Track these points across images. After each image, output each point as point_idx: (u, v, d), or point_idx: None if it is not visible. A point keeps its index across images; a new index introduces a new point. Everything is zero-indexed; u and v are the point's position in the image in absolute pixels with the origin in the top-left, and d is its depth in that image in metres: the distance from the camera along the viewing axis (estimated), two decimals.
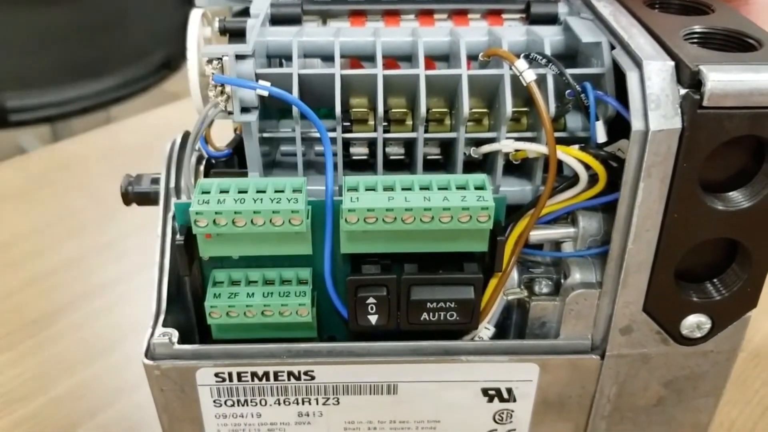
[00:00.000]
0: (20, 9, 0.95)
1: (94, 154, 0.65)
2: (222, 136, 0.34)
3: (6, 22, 0.95)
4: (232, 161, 0.34)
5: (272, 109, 0.33)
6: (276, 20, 0.34)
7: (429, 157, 0.32)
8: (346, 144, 0.32)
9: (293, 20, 0.34)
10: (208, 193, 0.28)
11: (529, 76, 0.28)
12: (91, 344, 0.43)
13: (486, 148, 0.30)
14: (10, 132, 1.18)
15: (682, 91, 0.25)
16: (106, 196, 0.57)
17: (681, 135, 0.25)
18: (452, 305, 0.30)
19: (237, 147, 0.33)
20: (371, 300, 0.30)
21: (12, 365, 0.42)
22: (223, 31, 0.33)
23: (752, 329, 0.43)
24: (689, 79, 0.25)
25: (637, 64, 0.26)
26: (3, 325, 0.45)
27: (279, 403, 0.31)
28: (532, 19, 0.34)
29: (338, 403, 0.32)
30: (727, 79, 0.25)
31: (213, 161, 0.34)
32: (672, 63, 0.26)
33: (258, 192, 0.28)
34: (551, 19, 0.34)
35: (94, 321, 0.45)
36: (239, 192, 0.28)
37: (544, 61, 0.29)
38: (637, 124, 0.26)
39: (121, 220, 0.54)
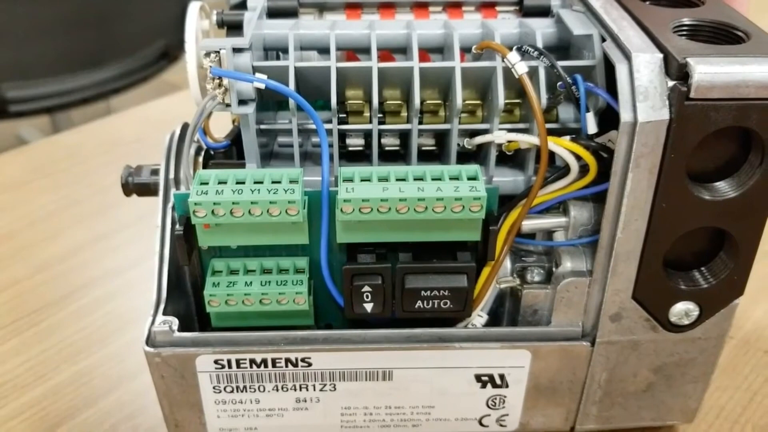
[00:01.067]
0: None
1: (94, 144, 0.65)
2: (221, 127, 0.35)
3: (5, 13, 0.96)
4: (231, 152, 0.35)
5: (270, 101, 0.33)
6: (273, 13, 0.34)
7: (424, 148, 0.33)
8: (343, 135, 0.32)
9: (290, 13, 0.35)
10: (207, 183, 0.29)
11: (520, 68, 0.29)
12: (93, 333, 0.44)
13: (479, 139, 0.31)
14: (9, 123, 1.19)
15: (670, 83, 0.26)
16: (107, 187, 0.58)
17: (669, 126, 0.26)
18: (446, 293, 0.30)
19: (235, 138, 0.34)
20: (366, 288, 0.30)
21: (15, 354, 0.42)
22: (220, 24, 0.34)
23: (742, 317, 0.43)
24: (677, 72, 0.26)
25: (627, 56, 0.27)
26: (6, 315, 0.45)
27: (277, 389, 0.32)
28: (526, 12, 0.35)
29: (335, 389, 0.32)
30: (713, 72, 0.25)
31: (212, 152, 0.35)
32: (660, 55, 0.26)
33: (255, 183, 0.29)
34: (544, 12, 0.35)
35: (95, 310, 0.45)
36: (237, 183, 0.29)
37: (535, 53, 0.29)
38: (625, 115, 0.26)
39: (121, 211, 0.54)
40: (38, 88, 1.02)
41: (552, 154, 0.29)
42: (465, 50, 0.32)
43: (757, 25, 0.29)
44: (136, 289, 0.47)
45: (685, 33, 0.28)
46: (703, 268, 0.30)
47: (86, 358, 0.42)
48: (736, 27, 0.28)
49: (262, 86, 0.29)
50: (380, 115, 0.31)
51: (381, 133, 0.32)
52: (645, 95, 0.26)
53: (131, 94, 1.11)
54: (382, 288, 0.30)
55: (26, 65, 1.01)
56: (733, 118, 0.26)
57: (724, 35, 0.28)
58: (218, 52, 0.29)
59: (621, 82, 0.27)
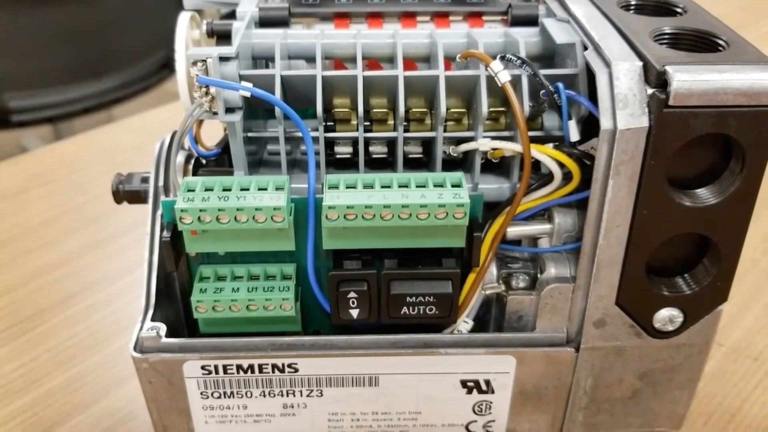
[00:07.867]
0: (22, 10, 0.96)
1: (92, 153, 0.66)
2: (215, 135, 0.35)
3: (8, 23, 0.97)
4: (222, 160, 0.35)
5: (259, 110, 0.33)
6: (264, 23, 0.35)
7: (411, 156, 0.33)
8: (332, 143, 0.32)
9: (281, 23, 0.35)
10: (193, 191, 0.29)
11: (503, 77, 0.29)
12: (85, 339, 0.44)
13: (464, 147, 0.31)
14: (12, 132, 1.19)
15: (649, 91, 0.26)
16: (103, 195, 0.58)
17: (648, 133, 0.26)
18: (431, 299, 0.30)
19: (226, 146, 0.34)
20: (352, 294, 0.30)
21: (8, 360, 0.43)
22: (210, 34, 0.34)
23: (732, 324, 0.44)
24: (656, 79, 0.26)
25: (607, 64, 0.27)
26: (0, 321, 0.46)
27: (264, 395, 0.32)
28: (513, 21, 0.35)
29: (322, 395, 0.32)
30: (692, 79, 0.25)
31: (203, 160, 0.35)
32: (640, 63, 0.27)
33: (242, 190, 0.29)
34: (532, 21, 0.35)
35: (88, 317, 0.46)
36: (223, 190, 0.29)
37: (518, 62, 0.30)
38: (605, 123, 0.26)
39: (117, 219, 0.55)
40: (41, 98, 1.03)
41: (537, 162, 0.30)
42: (450, 59, 0.32)
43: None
44: (129, 296, 0.47)
45: (666, 41, 0.29)
46: (686, 275, 0.30)
47: (78, 364, 0.42)
48: (717, 35, 0.29)
49: (248, 94, 0.29)
50: (367, 123, 0.31)
51: (369, 141, 0.32)
52: (624, 103, 0.26)
53: (133, 104, 1.12)
54: (368, 294, 0.30)
55: (29, 76, 1.02)
56: (712, 125, 0.26)
57: (705, 43, 0.29)
58: (205, 60, 0.29)
59: (601, 90, 0.27)
